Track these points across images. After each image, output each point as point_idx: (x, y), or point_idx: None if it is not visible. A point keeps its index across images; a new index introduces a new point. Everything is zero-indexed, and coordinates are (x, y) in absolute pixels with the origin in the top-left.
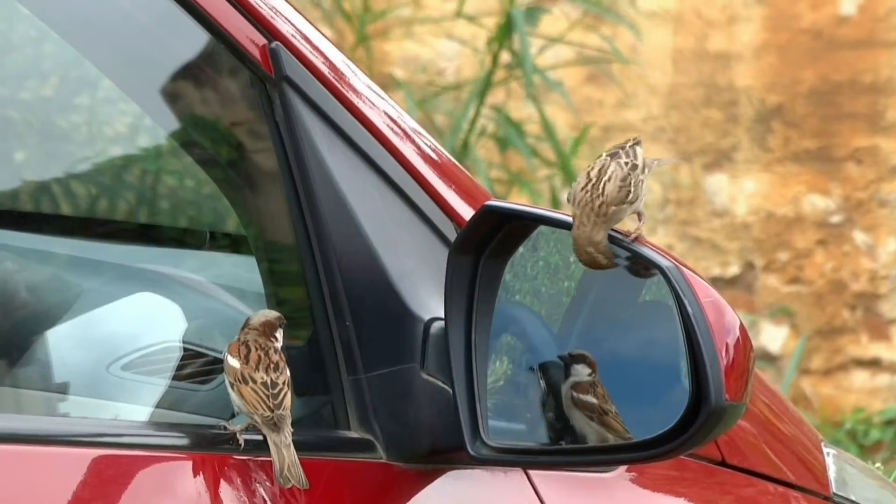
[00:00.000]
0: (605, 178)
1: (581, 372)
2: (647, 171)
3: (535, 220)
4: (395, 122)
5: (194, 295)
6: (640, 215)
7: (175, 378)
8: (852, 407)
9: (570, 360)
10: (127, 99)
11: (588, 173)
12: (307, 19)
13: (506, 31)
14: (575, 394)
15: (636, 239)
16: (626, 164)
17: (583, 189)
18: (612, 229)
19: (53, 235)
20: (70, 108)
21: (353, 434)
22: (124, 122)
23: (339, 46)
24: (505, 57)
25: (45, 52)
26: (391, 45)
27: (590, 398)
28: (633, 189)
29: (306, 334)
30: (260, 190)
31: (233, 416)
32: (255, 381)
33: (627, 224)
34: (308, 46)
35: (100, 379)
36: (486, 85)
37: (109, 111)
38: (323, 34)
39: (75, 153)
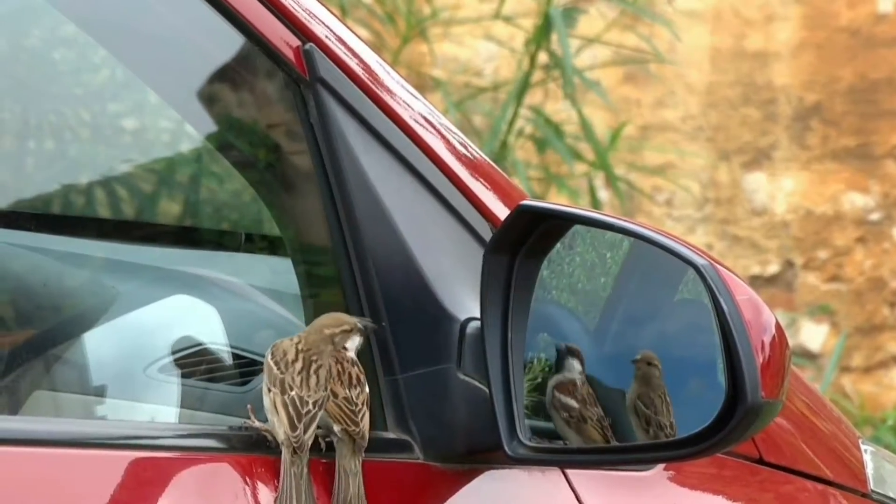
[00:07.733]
0: None
1: (573, 367)
2: None
3: (570, 219)
4: (429, 122)
5: (231, 297)
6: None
7: (212, 380)
8: (894, 404)
9: (564, 353)
10: (164, 104)
11: None
12: (341, 20)
13: (543, 32)
14: (557, 393)
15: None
16: None
17: None
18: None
19: (90, 238)
20: (109, 113)
21: (390, 434)
22: (163, 126)
23: (378, 48)
24: (543, 57)
25: (81, 58)
26: (429, 46)
27: (570, 401)
28: None
29: None
30: (296, 192)
31: None
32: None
33: None
34: (342, 48)
35: (137, 381)
36: (524, 86)
37: (150, 117)
38: (357, 35)
39: (115, 157)
